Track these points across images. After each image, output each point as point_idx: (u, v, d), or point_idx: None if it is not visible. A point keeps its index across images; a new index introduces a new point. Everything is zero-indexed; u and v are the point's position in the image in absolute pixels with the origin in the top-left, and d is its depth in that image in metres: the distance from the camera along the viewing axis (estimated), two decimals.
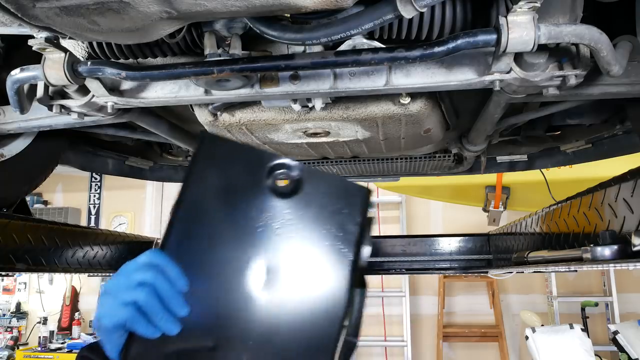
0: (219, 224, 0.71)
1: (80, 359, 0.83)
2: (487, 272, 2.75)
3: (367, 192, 0.73)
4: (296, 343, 0.67)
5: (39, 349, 5.62)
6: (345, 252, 0.70)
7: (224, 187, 0.72)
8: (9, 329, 6.41)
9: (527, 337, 3.71)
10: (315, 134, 1.48)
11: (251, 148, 0.77)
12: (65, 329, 6.07)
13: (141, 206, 6.49)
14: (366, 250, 0.71)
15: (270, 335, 0.67)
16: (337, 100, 1.31)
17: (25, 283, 6.68)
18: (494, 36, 0.94)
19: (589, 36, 0.94)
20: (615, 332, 3.81)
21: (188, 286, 0.68)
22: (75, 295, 6.28)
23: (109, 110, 1.25)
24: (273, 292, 0.69)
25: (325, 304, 0.69)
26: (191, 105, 1.39)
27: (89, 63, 1.10)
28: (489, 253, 2.49)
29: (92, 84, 1.18)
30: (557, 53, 1.05)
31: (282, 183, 0.72)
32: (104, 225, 6.49)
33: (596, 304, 4.89)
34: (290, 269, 0.70)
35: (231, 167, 0.73)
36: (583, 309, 4.82)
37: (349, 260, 0.69)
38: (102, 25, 0.86)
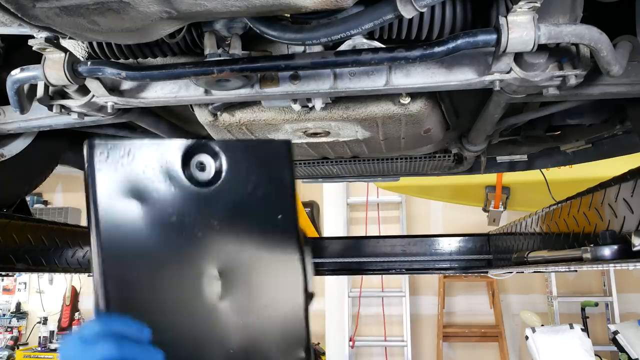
0: (151, 243, 0.59)
1: None
2: (487, 272, 2.75)
3: (288, 145, 0.68)
4: (273, 327, 0.66)
5: (39, 349, 5.63)
6: (287, 223, 0.66)
7: (141, 199, 0.59)
8: (9, 329, 6.42)
9: (527, 337, 3.71)
10: (315, 134, 1.48)
11: (152, 143, 0.63)
12: (65, 329, 6.07)
13: None
14: (297, 201, 0.69)
15: (248, 332, 0.65)
16: (337, 100, 1.31)
17: (25, 283, 6.69)
18: (494, 36, 0.94)
19: (589, 36, 0.94)
20: (615, 332, 3.81)
21: (151, 329, 0.58)
22: (75, 295, 6.28)
23: (109, 110, 1.25)
24: (235, 291, 0.63)
25: (285, 277, 0.66)
26: (191, 105, 1.39)
27: (89, 63, 1.10)
28: (489, 253, 2.49)
29: (92, 84, 1.18)
30: (557, 53, 1.05)
31: (200, 172, 0.62)
32: None
33: (596, 304, 4.89)
34: (243, 261, 0.64)
35: (140, 173, 0.59)
36: (583, 309, 4.82)
37: (294, 226, 0.66)
38: (102, 25, 0.86)
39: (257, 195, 0.64)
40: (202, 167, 0.62)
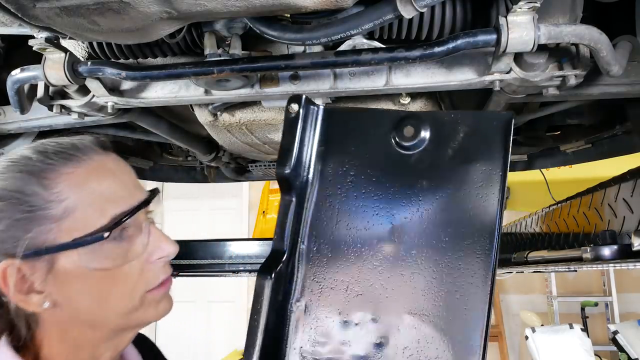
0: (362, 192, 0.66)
1: None
2: None
3: (510, 118, 0.64)
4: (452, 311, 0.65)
5: None
6: (490, 199, 0.63)
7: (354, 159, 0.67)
8: None
9: (527, 337, 3.71)
10: None
11: (369, 111, 0.72)
12: None
13: None
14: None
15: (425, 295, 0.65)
16: (337, 100, 1.31)
17: None
18: (494, 36, 0.94)
19: (589, 36, 0.94)
20: (615, 332, 3.81)
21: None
22: None
23: (109, 110, 1.25)
24: (427, 247, 0.64)
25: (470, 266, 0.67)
26: (191, 105, 1.39)
27: (89, 63, 1.10)
28: None
29: (92, 84, 1.18)
30: (557, 53, 1.05)
31: (408, 136, 0.66)
32: None
33: (596, 304, 4.89)
34: (441, 220, 0.64)
35: (357, 136, 0.68)
36: (583, 309, 4.82)
37: (497, 203, 0.63)
38: (102, 25, 0.86)
39: (463, 164, 0.64)
40: (408, 133, 0.66)
